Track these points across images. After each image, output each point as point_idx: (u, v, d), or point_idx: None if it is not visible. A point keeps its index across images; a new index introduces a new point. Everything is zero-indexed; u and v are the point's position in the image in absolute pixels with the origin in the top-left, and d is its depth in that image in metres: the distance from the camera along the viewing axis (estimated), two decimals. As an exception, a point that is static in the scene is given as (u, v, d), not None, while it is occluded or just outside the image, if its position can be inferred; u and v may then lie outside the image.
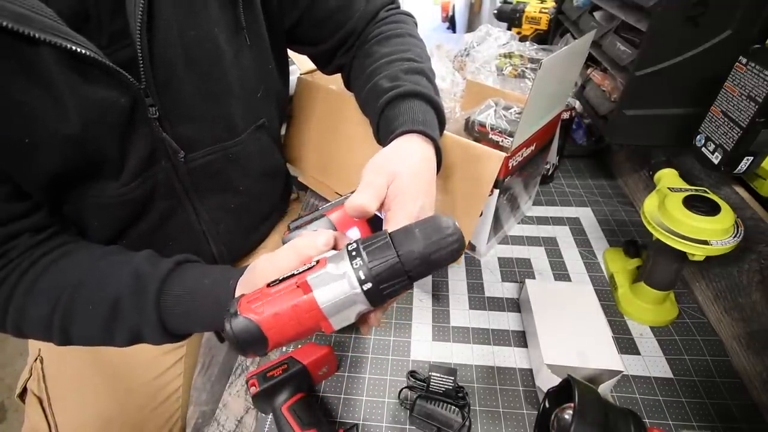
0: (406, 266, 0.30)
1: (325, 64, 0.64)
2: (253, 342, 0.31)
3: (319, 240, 0.36)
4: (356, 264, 0.30)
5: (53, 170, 0.42)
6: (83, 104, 0.40)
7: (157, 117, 0.45)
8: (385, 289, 0.30)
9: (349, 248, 0.31)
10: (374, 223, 0.42)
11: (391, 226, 0.36)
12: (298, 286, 0.31)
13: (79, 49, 0.37)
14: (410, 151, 0.43)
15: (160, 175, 0.49)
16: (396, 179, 0.39)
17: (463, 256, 0.69)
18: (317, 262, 0.33)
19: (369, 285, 0.30)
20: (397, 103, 0.47)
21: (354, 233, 0.42)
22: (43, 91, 0.38)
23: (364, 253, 0.30)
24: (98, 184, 0.46)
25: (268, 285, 0.33)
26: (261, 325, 0.31)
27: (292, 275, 0.32)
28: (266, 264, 0.38)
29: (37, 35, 0.35)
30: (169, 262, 0.43)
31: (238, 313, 0.31)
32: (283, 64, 0.63)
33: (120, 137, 0.44)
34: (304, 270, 0.32)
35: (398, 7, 0.63)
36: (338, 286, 0.30)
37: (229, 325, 0.31)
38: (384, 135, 0.47)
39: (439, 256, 0.30)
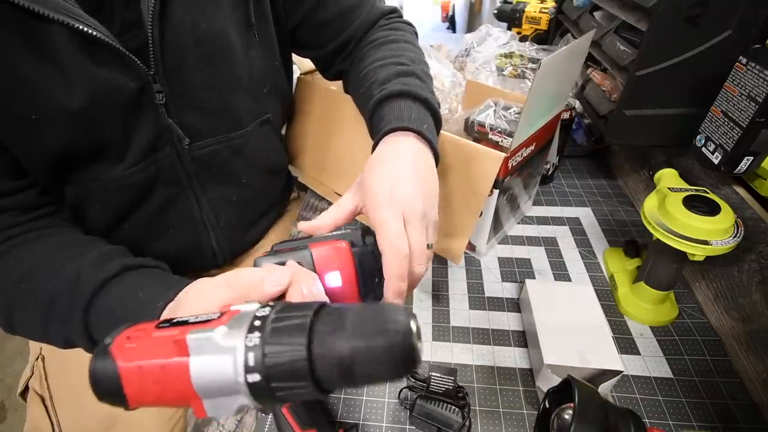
0: (316, 369, 0.22)
1: (326, 69, 0.65)
2: (111, 393, 0.24)
3: (268, 280, 0.29)
4: (251, 341, 0.22)
5: (58, 149, 0.43)
6: (91, 84, 0.41)
7: (163, 103, 0.46)
8: (279, 390, 0.22)
9: (258, 313, 0.23)
10: (366, 269, 0.35)
11: (378, 236, 0.35)
12: (175, 342, 0.23)
13: (90, 31, 0.38)
14: (389, 150, 0.43)
15: (163, 161, 0.50)
16: (367, 180, 0.40)
17: (463, 256, 0.69)
18: (222, 313, 0.25)
19: (256, 377, 0.22)
20: (385, 104, 0.48)
21: (334, 279, 0.34)
22: (52, 69, 0.39)
23: (268, 328, 0.22)
24: (102, 166, 0.46)
25: (159, 324, 0.25)
26: (121, 376, 0.23)
27: (185, 322, 0.24)
28: (197, 290, 0.33)
29: (49, 14, 0.36)
30: (116, 265, 0.40)
31: (109, 349, 0.24)
32: (288, 64, 0.64)
33: (126, 120, 0.45)
34: (202, 321, 0.24)
35: (399, 16, 0.63)
36: (220, 362, 0.22)
37: (93, 362, 0.24)
38: (374, 138, 0.48)
39: (364, 370, 0.21)
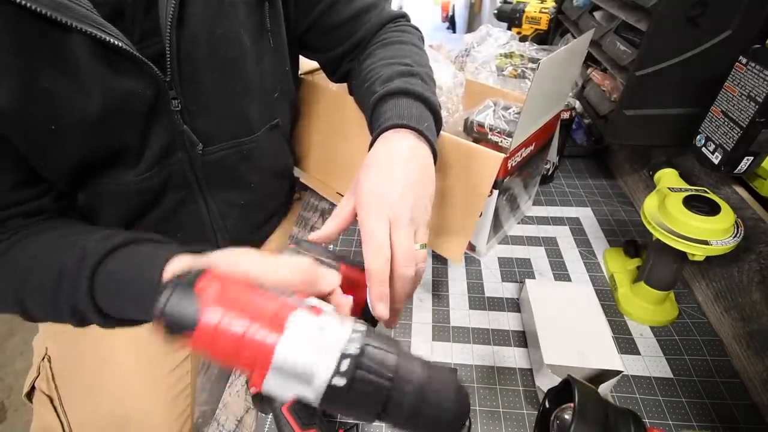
0: (393, 393, 0.23)
1: (332, 71, 0.65)
2: (178, 330, 0.23)
3: (325, 279, 0.32)
4: (349, 349, 0.23)
5: (76, 157, 0.43)
6: (109, 93, 0.41)
7: (179, 110, 0.47)
8: (351, 402, 0.23)
9: (356, 326, 0.25)
10: (367, 311, 0.38)
11: (362, 240, 0.37)
12: (276, 313, 0.24)
13: (112, 40, 0.38)
14: (384, 150, 0.43)
15: (175, 166, 0.50)
16: (358, 183, 0.40)
17: (463, 256, 0.69)
18: (310, 308, 0.26)
19: (341, 382, 0.23)
20: (386, 101, 0.48)
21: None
22: (70, 80, 0.39)
23: (367, 345, 0.24)
24: (116, 171, 0.47)
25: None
26: (198, 323, 0.23)
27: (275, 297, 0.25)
28: (254, 259, 0.32)
29: (72, 24, 0.36)
30: (121, 238, 0.39)
31: (193, 286, 0.24)
32: (296, 67, 0.65)
33: (142, 126, 0.45)
34: (293, 303, 0.25)
35: (408, 21, 0.64)
36: (313, 352, 0.23)
37: (169, 293, 0.24)
38: (372, 135, 0.48)
39: (429, 414, 0.23)
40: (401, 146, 0.43)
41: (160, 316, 0.23)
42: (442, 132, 0.56)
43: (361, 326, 0.25)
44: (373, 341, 0.24)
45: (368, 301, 0.37)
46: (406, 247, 0.37)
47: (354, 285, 0.37)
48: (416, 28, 0.64)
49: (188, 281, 0.24)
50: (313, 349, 0.23)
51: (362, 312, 0.38)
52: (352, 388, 0.23)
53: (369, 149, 0.45)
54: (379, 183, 0.39)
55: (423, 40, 0.64)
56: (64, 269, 0.38)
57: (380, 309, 0.35)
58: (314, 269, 0.32)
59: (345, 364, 0.23)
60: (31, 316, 0.42)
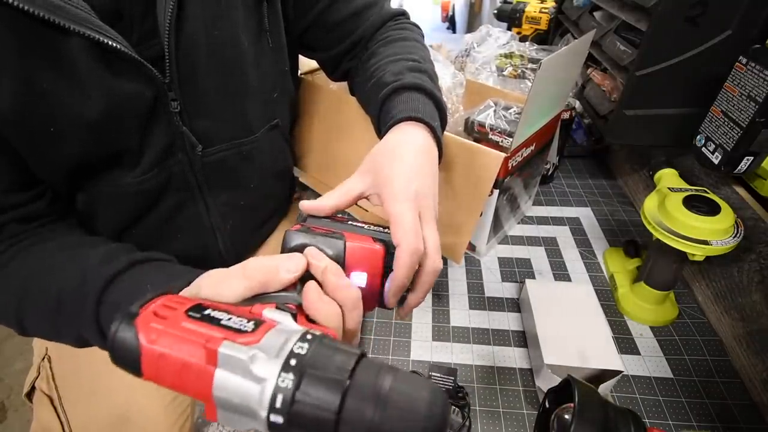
0: (342, 425, 0.21)
1: (332, 70, 0.65)
2: (127, 364, 0.24)
3: (283, 268, 0.29)
4: (284, 381, 0.21)
5: (75, 158, 0.43)
6: (108, 95, 0.41)
7: (178, 111, 0.46)
8: (294, 426, 0.21)
9: (296, 349, 0.22)
10: (389, 266, 0.35)
11: (393, 228, 0.35)
12: (205, 348, 0.22)
13: (109, 42, 0.38)
14: (403, 140, 0.43)
15: (175, 167, 0.50)
16: (382, 170, 0.40)
17: (463, 257, 0.69)
18: (257, 325, 0.24)
19: (278, 419, 0.21)
20: (398, 95, 0.48)
21: (359, 279, 0.34)
22: (69, 82, 0.39)
23: (305, 376, 0.21)
24: (115, 173, 0.47)
25: (188, 311, 0.24)
26: (141, 354, 0.23)
27: (217, 321, 0.24)
28: (211, 282, 0.31)
29: (70, 26, 0.36)
30: (123, 261, 0.39)
31: (134, 322, 0.23)
32: (295, 67, 0.65)
33: (141, 128, 0.45)
34: (234, 329, 0.23)
35: (408, 18, 0.64)
36: (248, 389, 0.22)
37: (116, 326, 0.23)
38: (383, 126, 0.48)
39: None
40: (417, 139, 0.43)
41: (110, 348, 0.23)
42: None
43: (302, 348, 0.22)
44: (319, 365, 0.22)
45: (386, 287, 0.35)
46: (434, 240, 0.38)
47: (371, 261, 0.34)
48: (416, 26, 0.64)
49: (131, 314, 0.24)
50: (247, 382, 0.22)
51: (379, 295, 0.36)
52: (291, 423, 0.21)
53: (381, 138, 0.45)
54: (407, 173, 0.39)
55: (423, 37, 0.64)
56: (63, 295, 0.38)
57: (394, 300, 0.36)
58: (255, 273, 0.29)
59: (279, 401, 0.21)
60: (28, 333, 0.42)
